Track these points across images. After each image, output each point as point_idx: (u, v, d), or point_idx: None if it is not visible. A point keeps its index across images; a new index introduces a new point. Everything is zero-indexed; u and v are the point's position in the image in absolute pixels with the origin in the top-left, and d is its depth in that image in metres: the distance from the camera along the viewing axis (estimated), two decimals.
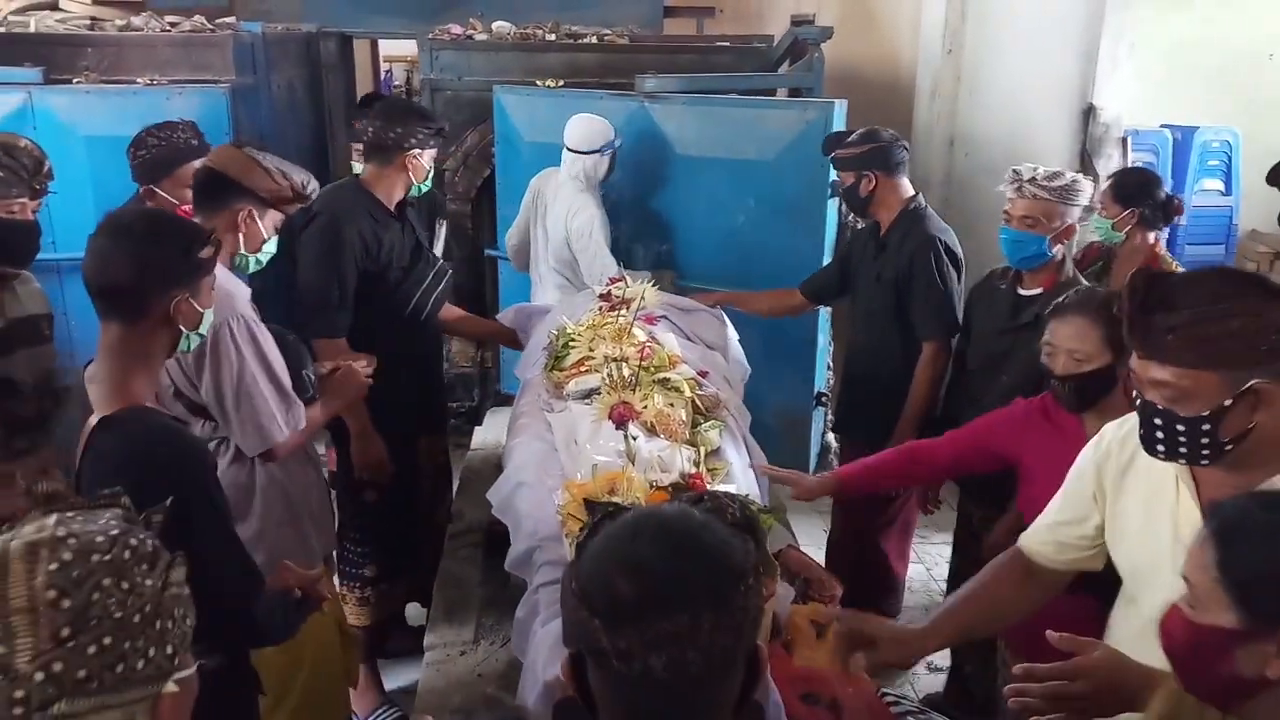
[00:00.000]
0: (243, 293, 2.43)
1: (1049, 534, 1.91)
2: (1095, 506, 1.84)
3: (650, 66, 4.73)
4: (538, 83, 4.80)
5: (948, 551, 3.63)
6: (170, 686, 0.94)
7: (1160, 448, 1.59)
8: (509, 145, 4.73)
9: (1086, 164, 4.24)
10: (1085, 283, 2.92)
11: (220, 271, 2.40)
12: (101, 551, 0.91)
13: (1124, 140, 4.28)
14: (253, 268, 2.55)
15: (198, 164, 3.02)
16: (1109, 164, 4.26)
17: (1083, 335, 2.24)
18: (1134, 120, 4.49)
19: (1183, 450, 1.56)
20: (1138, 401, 1.61)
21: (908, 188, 3.39)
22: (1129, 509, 1.78)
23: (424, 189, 3.28)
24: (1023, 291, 2.96)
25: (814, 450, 4.56)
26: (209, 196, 2.49)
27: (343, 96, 7.00)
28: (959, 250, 3.36)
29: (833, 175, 3.90)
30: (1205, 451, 1.54)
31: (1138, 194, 3.60)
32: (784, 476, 2.60)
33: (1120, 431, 1.83)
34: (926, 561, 4.43)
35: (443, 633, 2.71)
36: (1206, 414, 1.50)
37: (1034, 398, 2.52)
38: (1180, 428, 1.53)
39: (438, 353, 3.61)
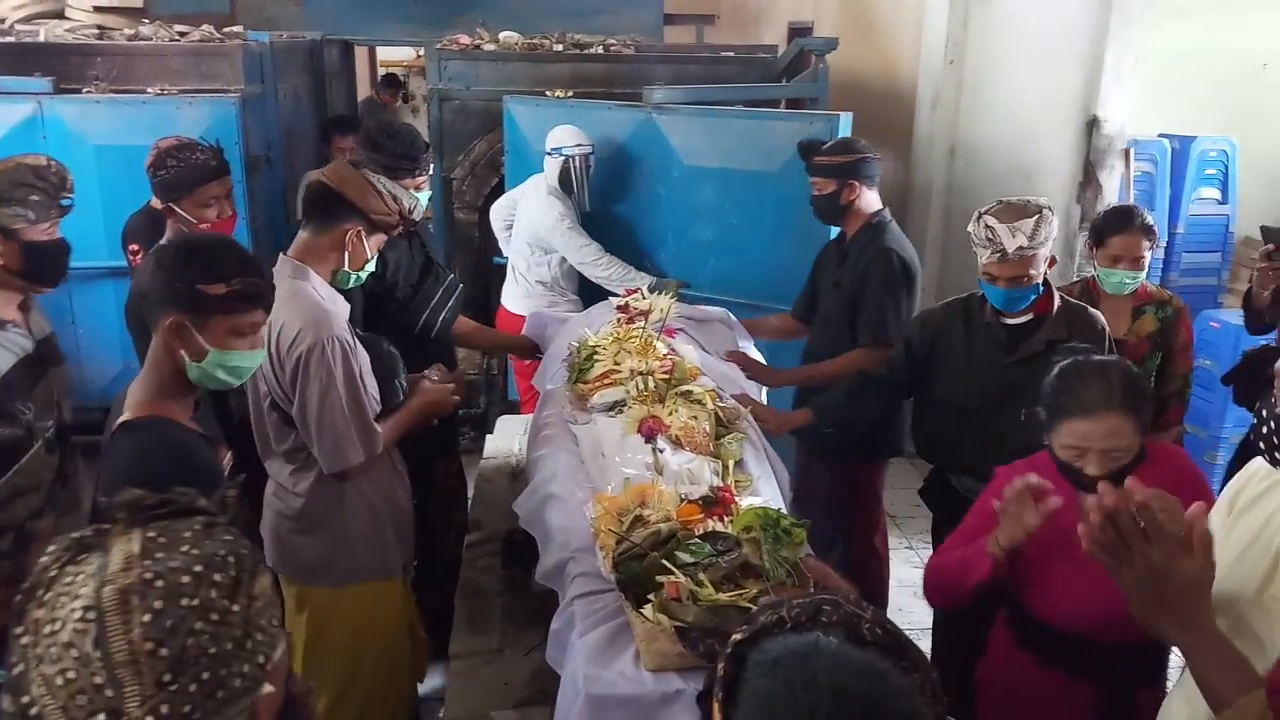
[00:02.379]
0: (340, 311, 2.49)
1: None
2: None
3: (657, 77, 4.78)
4: (547, 93, 4.84)
5: None
6: (266, 688, 0.98)
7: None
8: (519, 155, 4.76)
9: (1090, 175, 4.29)
10: (1066, 299, 2.88)
11: (323, 289, 2.50)
12: (189, 595, 0.94)
13: (1127, 152, 4.33)
14: (351, 284, 2.62)
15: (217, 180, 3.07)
16: (1112, 176, 4.31)
17: (1118, 432, 2.02)
18: (1133, 130, 4.55)
19: None
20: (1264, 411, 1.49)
21: (877, 200, 3.45)
22: (1227, 556, 1.59)
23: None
24: (1011, 321, 2.84)
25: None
26: (322, 212, 2.55)
27: (344, 103, 7.03)
28: (916, 266, 3.40)
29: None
30: None
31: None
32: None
33: (1253, 474, 1.70)
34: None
35: (467, 641, 2.73)
36: None
37: (1014, 468, 2.26)
38: None
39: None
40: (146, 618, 0.91)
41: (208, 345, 1.94)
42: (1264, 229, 3.15)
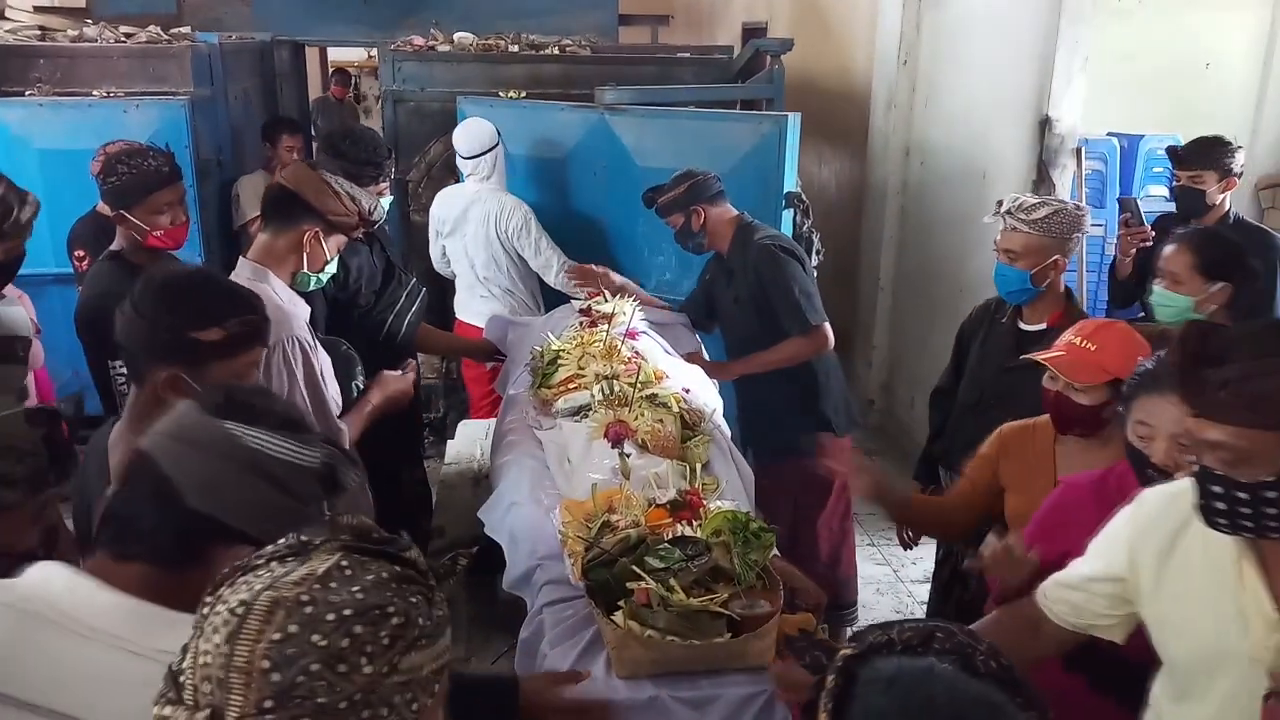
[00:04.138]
0: (300, 313, 2.46)
1: (1068, 591, 1.73)
2: (1127, 576, 1.65)
3: (612, 78, 4.77)
4: (500, 93, 4.80)
5: (915, 554, 3.73)
6: None
7: (1221, 519, 1.43)
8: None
9: (1043, 174, 4.35)
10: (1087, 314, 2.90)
11: (282, 291, 2.45)
12: (323, 634, 0.90)
13: (1078, 150, 4.39)
14: (312, 286, 2.58)
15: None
16: (1064, 174, 4.37)
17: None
18: (1083, 130, 4.61)
19: (1247, 522, 1.41)
20: (1194, 467, 1.46)
21: (731, 210, 3.51)
22: (1179, 592, 1.58)
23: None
24: (1025, 326, 2.84)
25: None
26: (280, 214, 2.52)
27: (296, 105, 6.94)
28: (792, 243, 3.47)
29: (788, 185, 3.98)
30: (1273, 523, 1.39)
31: (1230, 264, 2.85)
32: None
33: (1164, 500, 1.64)
34: (894, 563, 4.52)
35: None
36: (1271, 479, 1.37)
37: (1074, 484, 2.17)
38: (1242, 495, 1.39)
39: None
40: (276, 635, 0.89)
41: None
42: (1120, 200, 3.21)
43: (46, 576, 1.19)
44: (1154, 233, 3.51)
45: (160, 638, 1.10)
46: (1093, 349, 2.21)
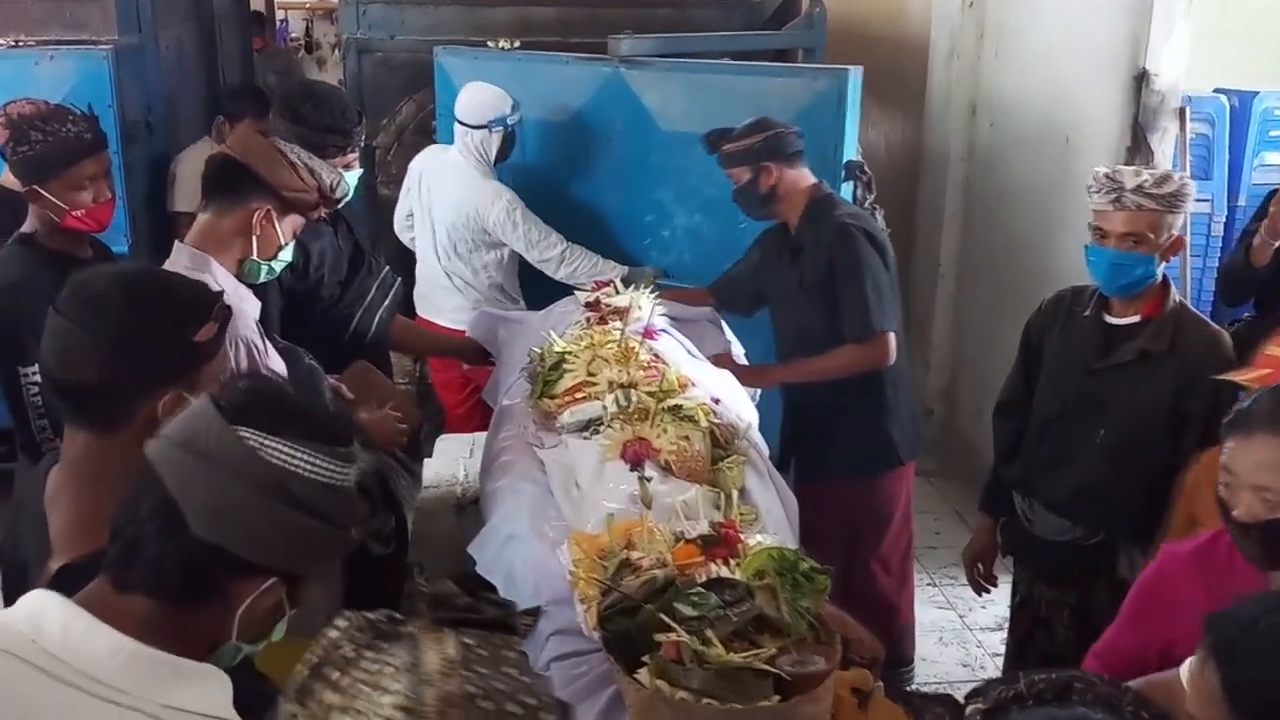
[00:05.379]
0: (248, 310, 2.45)
1: None
2: None
3: (620, 23, 4.75)
4: (488, 43, 4.80)
5: (985, 597, 3.72)
6: None
7: None
8: (453, 118, 4.71)
9: (1139, 139, 4.34)
10: (1186, 307, 2.87)
11: (227, 283, 2.41)
12: None
13: (1182, 111, 4.38)
14: (263, 276, 2.57)
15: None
16: (1165, 139, 4.35)
17: (1271, 466, 1.83)
18: (1186, 86, 4.61)
19: None
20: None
21: (809, 176, 3.51)
22: None
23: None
24: (1112, 320, 2.86)
25: None
26: (224, 189, 2.51)
27: (239, 54, 6.95)
28: (879, 233, 3.47)
29: (848, 153, 3.97)
30: None
31: None
32: None
33: None
34: (959, 607, 4.52)
35: None
36: None
37: (1182, 545, 2.15)
38: None
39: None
40: None
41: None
42: None
43: (40, 610, 1.21)
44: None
45: (163, 690, 1.13)
46: None
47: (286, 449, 1.20)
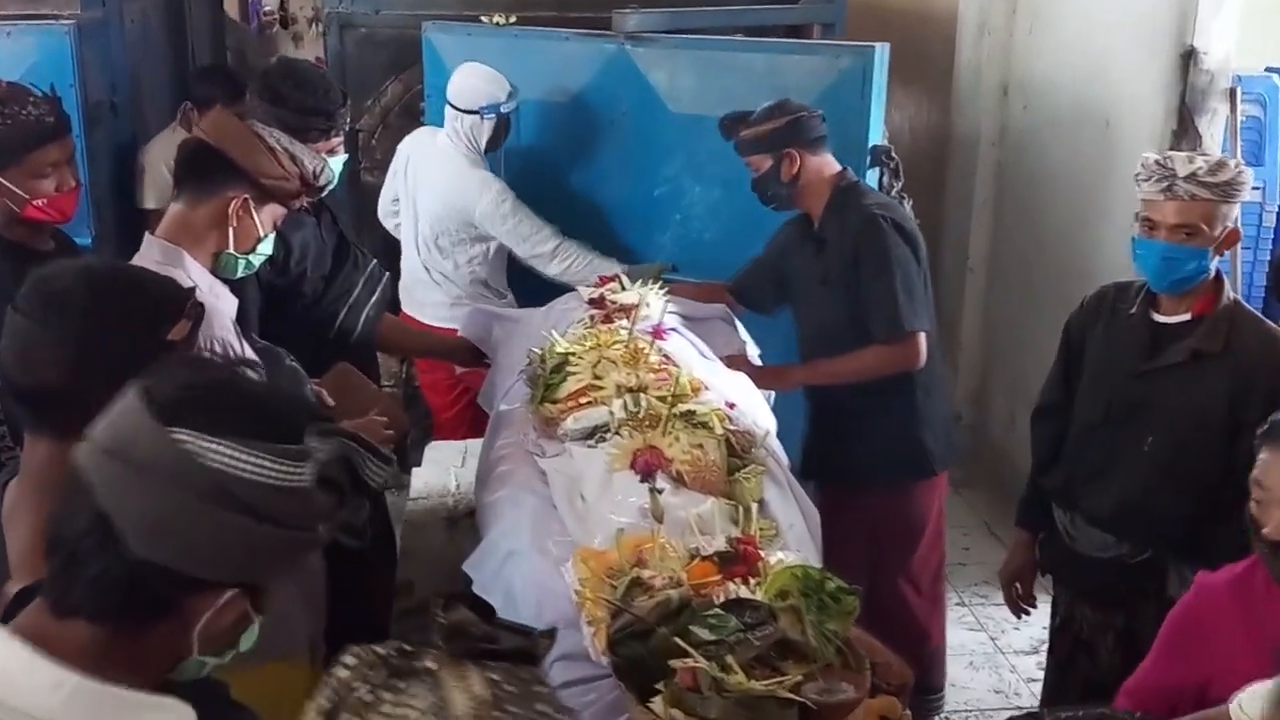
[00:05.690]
0: (224, 307, 2.45)
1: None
2: None
3: None
4: (481, 18, 4.80)
5: (1016, 620, 3.73)
6: None
7: None
8: (443, 99, 4.71)
9: (1185, 122, 4.34)
10: (1241, 304, 2.87)
11: (200, 278, 2.42)
12: None
13: (1232, 91, 4.38)
14: (241, 271, 2.58)
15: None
16: (1214, 122, 4.35)
17: None
18: (1236, 64, 4.61)
19: None
20: None
21: (833, 163, 3.52)
22: None
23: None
24: (1161, 318, 2.85)
25: None
26: (198, 177, 2.52)
27: (209, 29, 6.95)
28: (909, 224, 3.48)
29: (874, 137, 3.98)
30: None
31: None
32: None
33: None
34: (990, 628, 4.52)
35: None
36: None
37: (1218, 575, 2.18)
38: None
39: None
40: None
41: None
42: None
43: None
44: None
45: None
46: None
47: (228, 451, 1.15)
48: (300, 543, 1.22)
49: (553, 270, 4.23)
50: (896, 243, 3.35)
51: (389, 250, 4.94)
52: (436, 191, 4.28)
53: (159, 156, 4.87)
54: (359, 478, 1.21)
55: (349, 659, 1.01)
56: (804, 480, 3.56)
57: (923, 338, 3.37)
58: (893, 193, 4.00)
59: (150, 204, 4.91)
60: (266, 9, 11.76)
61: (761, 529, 2.36)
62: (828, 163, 3.50)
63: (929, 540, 3.63)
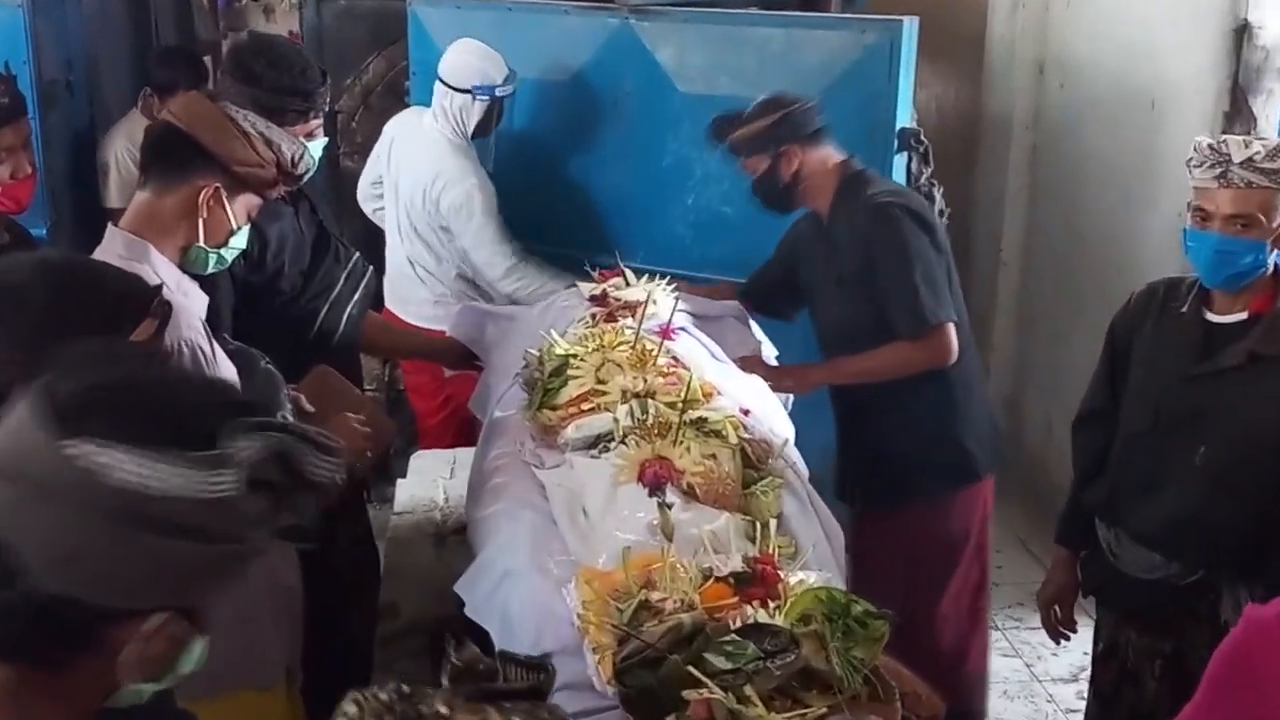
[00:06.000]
0: (193, 306, 2.46)
1: None
2: None
3: None
4: None
5: (1054, 645, 3.72)
6: None
7: None
8: (431, 79, 4.71)
9: (1239, 103, 4.33)
10: None
11: (168, 274, 2.43)
12: None
13: None
14: (212, 266, 2.59)
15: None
16: (1269, 103, 4.34)
17: None
18: None
19: None
20: None
21: (834, 154, 3.53)
22: None
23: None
24: (1215, 317, 2.82)
25: None
26: (165, 164, 2.51)
27: (174, 5, 6.95)
28: (924, 210, 3.49)
29: (902, 120, 3.97)
30: None
31: None
32: None
33: None
34: (1026, 654, 4.52)
35: None
36: None
37: (1268, 608, 2.10)
38: None
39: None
40: None
41: None
42: None
43: None
44: None
45: None
46: None
47: (134, 464, 1.09)
48: (232, 556, 1.17)
49: (503, 288, 4.26)
50: (912, 231, 3.35)
51: (371, 240, 4.95)
52: (414, 175, 4.31)
53: (121, 148, 4.88)
54: (299, 474, 1.16)
55: (349, 708, 0.99)
56: (839, 494, 3.57)
57: (951, 329, 3.36)
58: (923, 179, 4.00)
59: (115, 203, 4.91)
60: None
61: (780, 547, 2.35)
62: (829, 154, 3.50)
63: (970, 554, 3.62)
